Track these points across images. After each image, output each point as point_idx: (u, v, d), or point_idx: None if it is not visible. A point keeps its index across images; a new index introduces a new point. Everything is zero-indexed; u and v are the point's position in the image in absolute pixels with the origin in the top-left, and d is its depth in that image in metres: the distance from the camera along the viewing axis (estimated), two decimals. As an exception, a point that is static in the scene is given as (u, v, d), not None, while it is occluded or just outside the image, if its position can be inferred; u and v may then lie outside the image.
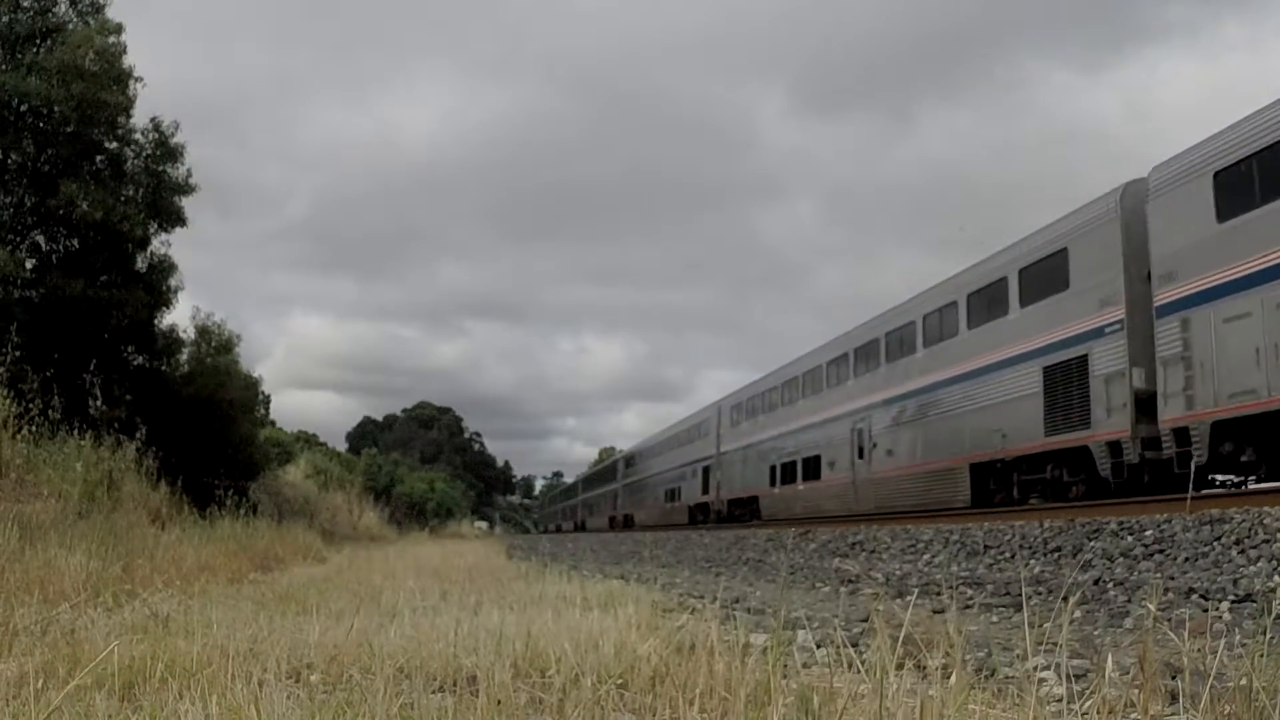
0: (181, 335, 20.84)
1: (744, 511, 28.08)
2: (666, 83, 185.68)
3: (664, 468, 39.75)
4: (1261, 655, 2.07)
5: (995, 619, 5.35)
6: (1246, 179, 10.16)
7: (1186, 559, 7.15)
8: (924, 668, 2.48)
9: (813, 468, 22.80)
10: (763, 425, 26.98)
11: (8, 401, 10.55)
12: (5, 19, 17.29)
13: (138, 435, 12.82)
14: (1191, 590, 5.66)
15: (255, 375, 25.04)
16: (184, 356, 20.91)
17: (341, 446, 74.48)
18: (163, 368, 20.06)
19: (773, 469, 25.70)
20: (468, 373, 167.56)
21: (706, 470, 32.82)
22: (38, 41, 17.43)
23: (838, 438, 21.31)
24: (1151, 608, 2.34)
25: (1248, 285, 10.02)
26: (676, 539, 20.68)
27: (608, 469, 57.76)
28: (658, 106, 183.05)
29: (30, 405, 11.08)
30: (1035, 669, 2.75)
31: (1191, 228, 10.87)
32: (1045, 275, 14.06)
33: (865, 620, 4.71)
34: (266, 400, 35.07)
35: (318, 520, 27.46)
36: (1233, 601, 5.19)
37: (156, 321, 19.45)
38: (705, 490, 32.95)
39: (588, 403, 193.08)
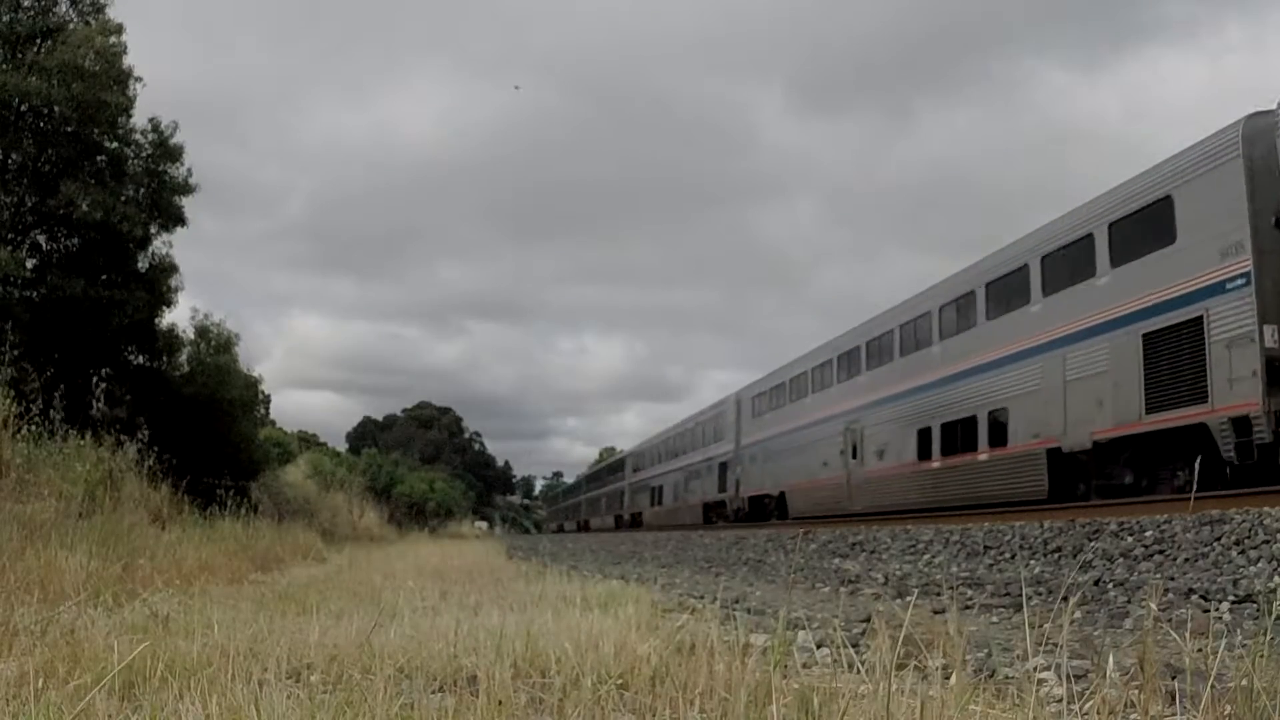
0: (181, 335, 20.87)
1: None
2: (666, 82, 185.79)
3: (911, 383, 18.42)
4: (1262, 656, 2.07)
5: (995, 619, 5.34)
6: None
7: (1186, 559, 7.15)
8: (924, 668, 2.49)
9: None
10: None
11: (8, 401, 10.55)
12: (6, 19, 17.31)
13: (138, 435, 12.82)
14: (1191, 591, 5.65)
15: (255, 375, 25.06)
16: (184, 356, 20.92)
17: (341, 446, 74.57)
18: (163, 368, 20.07)
19: None
20: (468, 373, 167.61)
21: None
22: (38, 41, 17.44)
23: None
24: (1153, 607, 2.34)
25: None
26: (676, 539, 20.64)
27: (698, 426, 35.33)
28: (657, 106, 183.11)
29: (31, 405, 11.08)
30: (1035, 669, 2.75)
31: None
32: None
33: (866, 621, 4.70)
34: (266, 400, 35.12)
35: (318, 520, 27.43)
36: (1233, 602, 5.19)
37: (157, 321, 19.47)
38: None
39: (588, 403, 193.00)
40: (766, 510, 26.87)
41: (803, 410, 24.54)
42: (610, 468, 55.80)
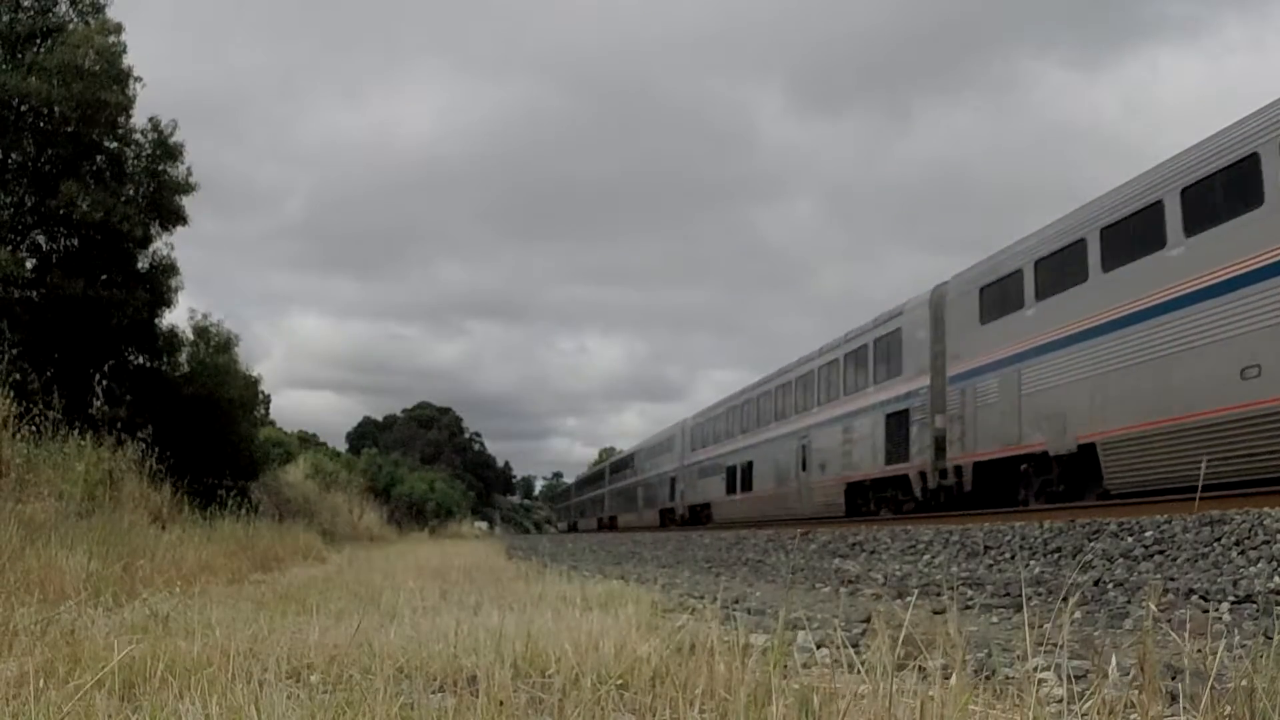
0: (181, 335, 20.86)
1: None
2: (666, 81, 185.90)
3: None
4: (1262, 656, 2.07)
5: (995, 620, 5.34)
6: None
7: (1186, 560, 7.15)
8: (924, 668, 2.48)
9: None
10: None
11: (8, 401, 10.55)
12: (5, 19, 17.31)
13: (139, 435, 12.82)
14: (1191, 591, 5.65)
15: (255, 375, 25.03)
16: (184, 356, 20.91)
17: (341, 446, 74.49)
18: (163, 368, 20.07)
19: None
20: (468, 373, 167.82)
21: None
22: (38, 41, 17.43)
23: None
24: (1153, 607, 2.34)
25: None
26: (676, 540, 20.66)
27: (826, 367, 22.18)
28: (657, 105, 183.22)
29: (31, 405, 11.08)
30: (1035, 669, 2.75)
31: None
32: None
33: (866, 621, 4.70)
34: (266, 400, 35.08)
35: (318, 520, 27.44)
36: (1233, 603, 5.19)
37: (157, 321, 19.47)
38: None
39: (588, 403, 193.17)
40: (1016, 483, 14.16)
41: (1196, 258, 10.40)
42: (650, 450, 43.10)
